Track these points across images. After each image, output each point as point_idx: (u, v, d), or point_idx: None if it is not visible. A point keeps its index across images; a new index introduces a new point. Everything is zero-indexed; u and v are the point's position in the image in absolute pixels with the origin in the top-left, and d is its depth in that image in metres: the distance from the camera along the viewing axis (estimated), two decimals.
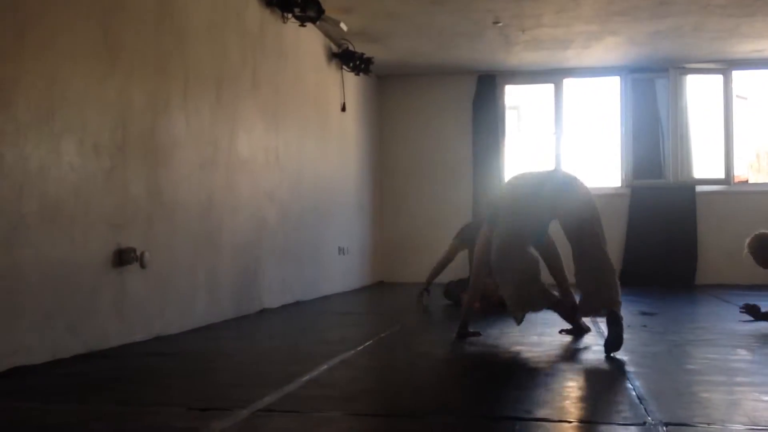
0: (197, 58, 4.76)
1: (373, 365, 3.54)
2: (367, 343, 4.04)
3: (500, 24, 7.08)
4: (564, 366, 3.39)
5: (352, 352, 3.73)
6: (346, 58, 7.55)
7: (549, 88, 9.12)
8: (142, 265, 4.02)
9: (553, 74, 8.99)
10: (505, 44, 7.84)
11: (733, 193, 8.72)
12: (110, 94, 3.86)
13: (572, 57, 8.37)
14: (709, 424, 2.34)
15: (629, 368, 3.26)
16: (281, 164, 6.06)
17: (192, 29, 4.71)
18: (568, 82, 9.13)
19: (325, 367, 3.30)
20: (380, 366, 3.53)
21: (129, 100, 4.02)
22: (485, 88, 9.04)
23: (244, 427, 2.32)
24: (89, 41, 3.71)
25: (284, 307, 5.93)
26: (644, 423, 2.34)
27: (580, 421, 2.38)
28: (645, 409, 2.53)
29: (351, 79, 7.92)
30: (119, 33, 3.94)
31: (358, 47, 7.60)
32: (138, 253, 3.98)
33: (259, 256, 5.62)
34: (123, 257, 3.89)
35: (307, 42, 6.76)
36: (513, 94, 9.55)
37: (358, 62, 7.66)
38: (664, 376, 3.09)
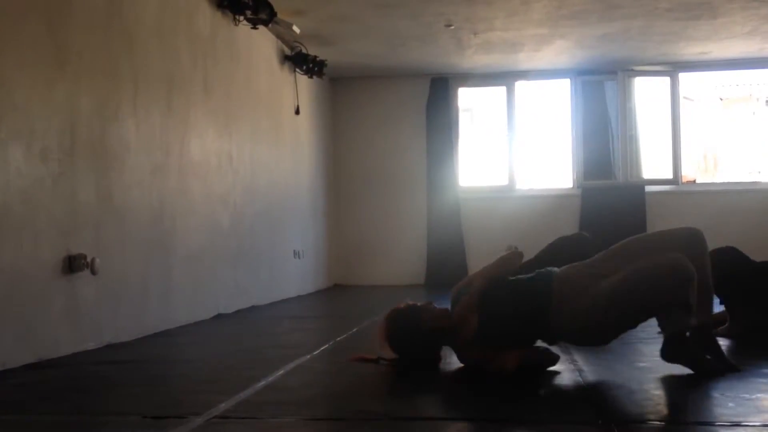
0: (147, 61, 4.70)
1: (329, 369, 3.54)
2: (324, 347, 4.03)
3: (452, 27, 7.13)
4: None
5: (308, 356, 3.72)
6: (298, 60, 7.53)
7: (501, 90, 9.22)
8: (93, 272, 3.96)
9: (505, 77, 9.09)
10: (458, 47, 7.89)
11: (681, 193, 8.91)
12: (58, 99, 3.79)
13: (524, 60, 8.47)
14: (661, 421, 2.38)
15: (581, 367, 3.30)
16: (234, 168, 6.01)
17: (141, 33, 4.65)
18: (520, 85, 9.23)
19: (281, 372, 3.28)
20: (336, 370, 3.53)
21: (77, 105, 3.95)
22: (438, 91, 9.09)
23: None
24: (36, 45, 3.65)
25: (239, 311, 5.89)
26: (597, 422, 2.38)
27: (533, 421, 2.40)
28: (598, 408, 2.57)
29: (304, 82, 7.90)
30: (67, 37, 3.88)
31: (311, 50, 7.58)
32: (88, 259, 3.91)
33: (213, 260, 5.57)
34: (73, 264, 3.82)
35: (259, 45, 6.73)
36: (466, 97, 9.63)
37: (311, 65, 7.65)
38: (616, 375, 3.14)
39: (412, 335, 3.23)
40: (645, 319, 3.04)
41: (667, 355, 3.01)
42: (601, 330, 3.06)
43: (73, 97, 3.91)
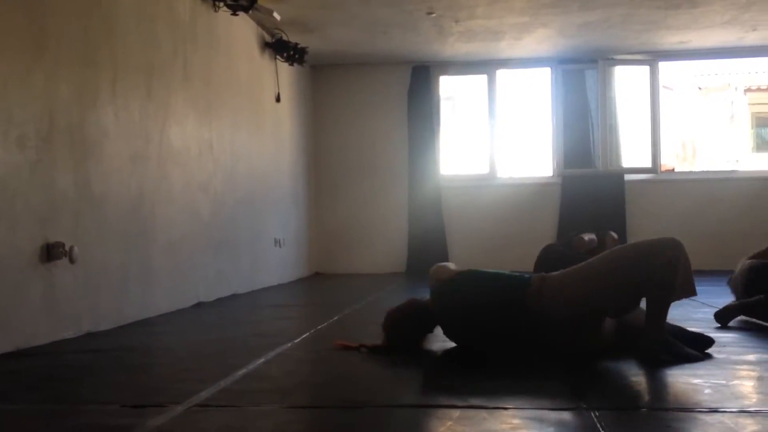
0: (126, 48, 4.65)
1: (310, 358, 3.54)
2: (305, 336, 4.03)
3: (434, 15, 7.12)
4: (496, 354, 3.43)
5: (289, 344, 3.71)
6: (279, 48, 7.49)
7: (482, 79, 9.22)
8: (72, 260, 3.93)
9: (486, 65, 9.09)
10: (439, 35, 7.88)
11: (660, 182, 8.97)
12: (36, 86, 3.75)
13: (505, 48, 8.47)
14: (639, 408, 2.40)
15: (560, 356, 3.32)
16: (215, 156, 5.98)
17: (120, 19, 4.60)
18: (501, 73, 9.24)
19: (262, 360, 3.28)
20: (317, 358, 3.53)
21: (55, 92, 3.91)
22: (420, 79, 9.08)
23: (179, 423, 2.29)
24: (14, 32, 3.60)
25: (220, 300, 5.87)
26: (576, 408, 2.39)
27: (515, 407, 2.42)
28: (577, 395, 2.59)
29: (285, 69, 7.86)
30: (45, 23, 3.83)
31: (292, 37, 7.54)
32: (67, 247, 3.88)
33: (194, 248, 5.55)
34: (51, 252, 3.79)
35: (239, 32, 6.69)
36: (447, 85, 9.62)
37: (291, 52, 7.60)
38: (596, 362, 3.16)
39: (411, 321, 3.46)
40: (631, 294, 3.10)
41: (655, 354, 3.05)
42: (587, 301, 3.12)
43: (51, 84, 3.87)
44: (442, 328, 3.43)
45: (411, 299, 3.56)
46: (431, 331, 3.50)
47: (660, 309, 3.06)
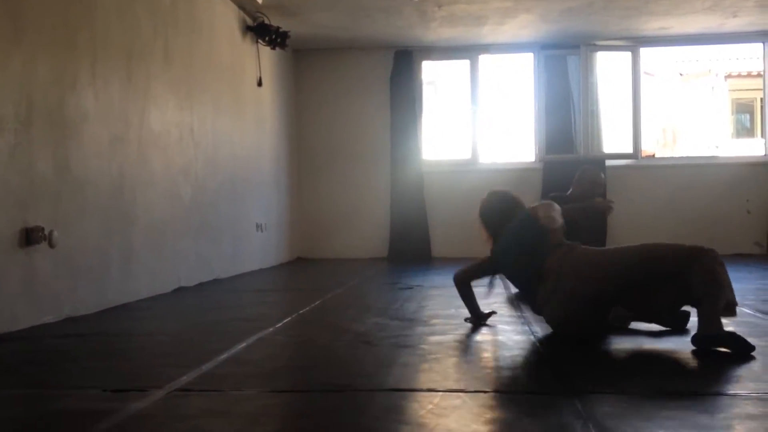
0: (106, 31, 4.61)
1: (291, 342, 3.54)
2: (286, 320, 4.03)
3: None
4: (479, 338, 3.46)
5: (271, 329, 3.71)
6: (261, 31, 7.43)
7: (465, 64, 9.21)
8: (51, 245, 3.90)
9: (469, 50, 9.07)
10: (422, 20, 7.86)
11: (641, 168, 9.01)
12: (14, 69, 3.71)
13: (488, 33, 8.46)
14: (622, 393, 2.42)
15: (543, 340, 3.34)
16: (196, 140, 5.95)
17: (100, 2, 4.55)
18: (483, 58, 9.23)
19: (244, 344, 3.28)
20: (298, 342, 3.53)
21: (34, 75, 3.87)
22: (402, 64, 9.05)
23: (160, 408, 2.29)
24: None
25: (201, 284, 5.86)
26: (557, 392, 2.41)
27: (496, 391, 2.43)
28: (559, 379, 2.61)
29: (267, 53, 7.81)
30: (23, 6, 3.78)
31: (274, 21, 7.49)
32: (46, 231, 3.86)
33: (175, 233, 5.52)
34: (30, 236, 3.76)
35: (220, 15, 6.64)
36: (430, 70, 9.60)
37: (273, 36, 7.55)
38: (576, 347, 3.19)
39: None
40: (652, 273, 3.15)
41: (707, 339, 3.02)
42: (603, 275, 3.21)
43: (29, 67, 3.82)
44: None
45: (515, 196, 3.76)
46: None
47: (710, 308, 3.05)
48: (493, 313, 3.83)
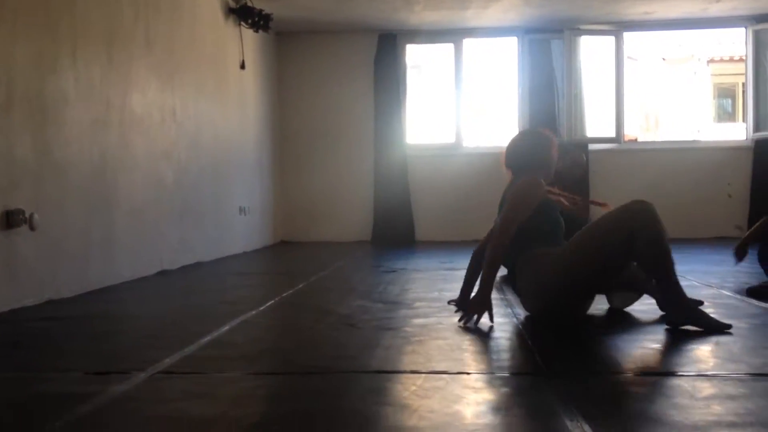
0: (86, 13, 4.56)
1: (274, 324, 3.54)
2: (269, 303, 4.03)
3: None
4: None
5: (254, 312, 3.71)
6: (244, 14, 7.38)
7: (449, 48, 9.19)
8: (32, 227, 3.88)
9: (453, 34, 9.06)
10: (406, 3, 7.83)
11: (623, 152, 9.05)
12: None
13: (471, 17, 8.45)
14: (603, 374, 2.44)
15: (524, 322, 3.36)
16: (178, 123, 5.91)
17: None
18: (467, 42, 9.22)
19: (227, 327, 3.28)
20: (281, 325, 3.53)
21: (12, 59, 3.82)
22: (386, 47, 9.02)
23: (143, 390, 2.28)
24: None
25: (184, 267, 5.84)
26: (539, 373, 2.43)
27: (478, 372, 2.45)
28: (540, 361, 2.63)
29: (249, 36, 7.76)
30: None
31: (257, 3, 7.44)
32: (27, 214, 3.83)
33: (157, 216, 5.50)
34: (11, 219, 3.74)
35: None
36: (414, 54, 9.57)
37: (256, 18, 7.50)
38: (556, 329, 3.21)
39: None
40: (614, 258, 3.15)
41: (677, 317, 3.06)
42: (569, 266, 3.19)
43: (7, 51, 3.78)
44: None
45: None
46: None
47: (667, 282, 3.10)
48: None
